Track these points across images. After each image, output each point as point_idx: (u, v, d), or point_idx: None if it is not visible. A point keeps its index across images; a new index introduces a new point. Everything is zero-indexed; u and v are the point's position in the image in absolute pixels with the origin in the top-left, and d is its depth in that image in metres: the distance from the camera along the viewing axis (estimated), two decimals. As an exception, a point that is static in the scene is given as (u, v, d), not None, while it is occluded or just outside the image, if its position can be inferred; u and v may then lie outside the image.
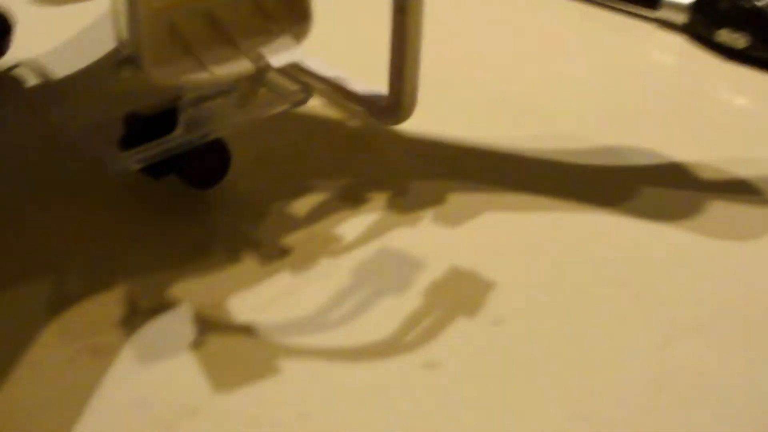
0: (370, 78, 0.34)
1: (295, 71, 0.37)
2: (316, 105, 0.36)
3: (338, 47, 0.41)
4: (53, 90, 0.37)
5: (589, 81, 0.41)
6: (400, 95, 0.33)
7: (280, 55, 0.27)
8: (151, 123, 0.28)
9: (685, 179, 0.34)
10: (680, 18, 0.47)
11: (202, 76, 0.26)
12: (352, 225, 0.30)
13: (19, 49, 0.38)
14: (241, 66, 0.27)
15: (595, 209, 0.32)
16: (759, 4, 0.44)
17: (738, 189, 0.34)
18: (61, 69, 0.38)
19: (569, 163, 0.34)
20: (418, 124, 0.35)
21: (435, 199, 0.31)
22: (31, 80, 0.37)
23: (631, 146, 0.36)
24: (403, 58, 0.32)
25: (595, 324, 0.27)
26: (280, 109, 0.30)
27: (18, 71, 0.38)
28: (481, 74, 0.41)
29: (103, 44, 0.37)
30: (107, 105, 0.31)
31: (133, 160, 0.27)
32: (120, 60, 0.29)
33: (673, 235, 0.31)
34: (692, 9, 0.46)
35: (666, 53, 0.46)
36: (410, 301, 0.26)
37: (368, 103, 0.35)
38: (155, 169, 0.29)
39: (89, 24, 0.41)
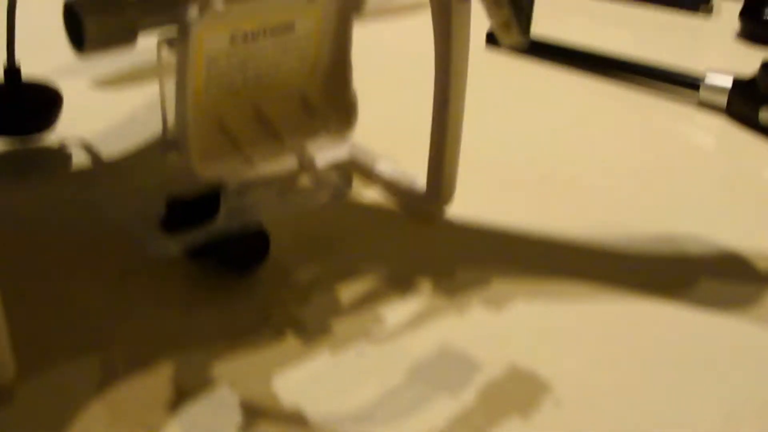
0: (409, 163, 0.34)
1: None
2: (361, 189, 0.36)
3: (378, 134, 0.42)
4: (99, 169, 0.37)
5: (634, 164, 0.41)
6: (440, 185, 0.33)
7: (325, 152, 0.28)
8: (193, 207, 0.28)
9: (739, 264, 0.33)
10: (721, 100, 0.47)
11: (247, 171, 0.26)
12: (399, 310, 0.29)
13: (71, 128, 0.39)
14: (286, 162, 0.27)
15: (649, 295, 0.31)
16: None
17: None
18: (109, 150, 0.38)
19: (619, 247, 0.34)
20: (464, 206, 0.35)
21: (482, 284, 0.30)
22: (80, 158, 0.37)
23: (682, 232, 0.35)
24: (443, 149, 0.32)
25: (656, 404, 0.25)
26: (321, 200, 0.30)
27: (67, 148, 0.38)
28: (526, 158, 0.41)
29: (151, 129, 0.38)
30: (152, 187, 0.31)
31: (173, 244, 0.26)
32: (165, 144, 0.29)
33: (730, 319, 0.29)
34: (732, 91, 0.46)
35: (709, 135, 0.45)
36: (462, 401, 0.25)
37: (408, 192, 0.35)
38: (195, 252, 0.29)
39: (139, 108, 0.42)
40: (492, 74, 0.51)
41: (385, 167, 0.36)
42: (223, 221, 0.27)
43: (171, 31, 0.26)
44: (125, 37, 0.24)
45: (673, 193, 0.38)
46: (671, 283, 0.31)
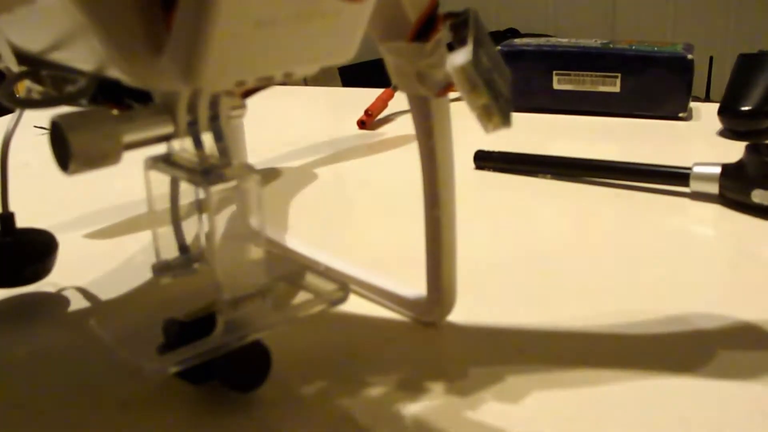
0: (409, 275, 0.33)
1: (330, 272, 0.37)
2: (354, 299, 0.35)
3: (373, 247, 0.42)
4: (97, 310, 0.36)
5: (635, 255, 0.40)
6: (439, 293, 0.33)
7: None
8: (190, 328, 0.28)
9: (758, 338, 0.32)
10: (712, 188, 0.47)
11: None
12: (412, 412, 0.28)
13: (67, 276, 0.39)
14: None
15: (669, 372, 0.29)
16: (789, 161, 0.44)
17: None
18: (106, 293, 0.38)
19: (633, 334, 0.33)
20: (466, 310, 0.34)
21: (495, 380, 0.29)
22: (78, 302, 0.37)
23: (695, 313, 0.34)
24: (439, 254, 0.32)
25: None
26: (318, 309, 0.29)
27: (64, 294, 0.38)
28: (525, 260, 0.40)
29: (147, 271, 0.38)
30: (145, 312, 0.31)
31: (170, 363, 0.25)
32: (158, 267, 0.29)
33: (751, 391, 0.28)
34: (722, 177, 0.46)
35: (705, 223, 0.45)
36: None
37: (407, 301, 0.34)
38: (196, 374, 0.28)
39: (135, 253, 0.42)
40: (483, 189, 0.51)
41: (378, 280, 0.35)
42: (219, 337, 0.26)
43: (159, 149, 0.26)
44: (111, 154, 0.24)
45: (678, 277, 0.38)
46: (690, 359, 0.30)
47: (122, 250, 0.43)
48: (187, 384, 0.29)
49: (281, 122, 0.70)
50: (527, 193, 0.50)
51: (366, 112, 0.66)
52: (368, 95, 0.71)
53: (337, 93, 0.83)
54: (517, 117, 0.68)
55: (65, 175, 0.24)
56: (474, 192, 0.50)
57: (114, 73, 0.25)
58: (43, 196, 0.51)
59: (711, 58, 1.87)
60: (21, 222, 0.37)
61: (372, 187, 0.52)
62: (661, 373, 0.30)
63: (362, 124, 0.66)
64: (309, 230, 0.45)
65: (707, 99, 1.79)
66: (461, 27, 0.27)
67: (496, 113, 0.27)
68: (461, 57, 0.26)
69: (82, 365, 0.32)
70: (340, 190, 0.52)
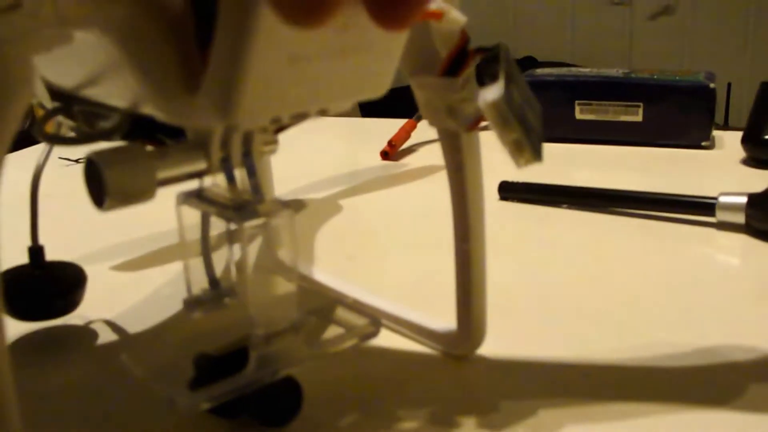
0: (437, 307, 0.33)
1: (359, 305, 0.37)
2: (384, 332, 0.35)
3: (400, 280, 0.42)
4: (125, 342, 0.36)
5: (664, 288, 0.40)
6: (469, 326, 0.32)
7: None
8: (221, 363, 0.28)
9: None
10: (738, 218, 0.47)
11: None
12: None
13: (95, 308, 0.39)
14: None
15: (701, 406, 0.29)
16: (817, 192, 0.44)
17: None
18: (134, 325, 0.38)
19: (667, 367, 0.32)
20: (496, 343, 0.34)
21: (527, 415, 0.29)
22: (106, 335, 0.37)
23: (728, 344, 0.34)
24: (469, 287, 0.32)
25: None
26: (349, 343, 0.29)
27: (92, 327, 0.38)
28: (558, 292, 0.40)
29: (175, 303, 0.38)
30: (177, 347, 0.31)
31: (202, 398, 0.25)
32: (190, 302, 0.29)
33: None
34: (748, 206, 0.46)
35: (732, 253, 0.45)
36: None
37: (437, 335, 0.34)
38: (227, 409, 0.28)
39: (162, 286, 0.42)
40: (508, 220, 0.51)
41: (407, 314, 0.35)
42: (251, 372, 0.26)
43: (191, 184, 0.26)
44: (146, 191, 0.24)
45: (705, 309, 0.37)
46: (722, 392, 0.30)
47: (149, 282, 0.43)
48: (218, 419, 0.29)
49: (304, 153, 0.71)
50: (552, 224, 0.50)
51: (389, 142, 0.66)
52: (390, 126, 0.71)
53: (359, 123, 0.83)
54: None
55: (100, 211, 0.24)
56: (499, 223, 0.50)
57: (148, 109, 0.25)
58: (67, 228, 0.52)
59: (729, 85, 1.87)
60: (48, 254, 0.37)
61: (397, 219, 0.52)
62: (694, 406, 0.29)
63: (385, 155, 0.66)
64: (335, 263, 0.45)
65: (726, 125, 1.79)
66: (492, 62, 0.27)
67: (528, 148, 0.27)
68: (493, 93, 0.26)
69: (110, 399, 0.32)
70: (366, 221, 0.52)
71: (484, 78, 0.27)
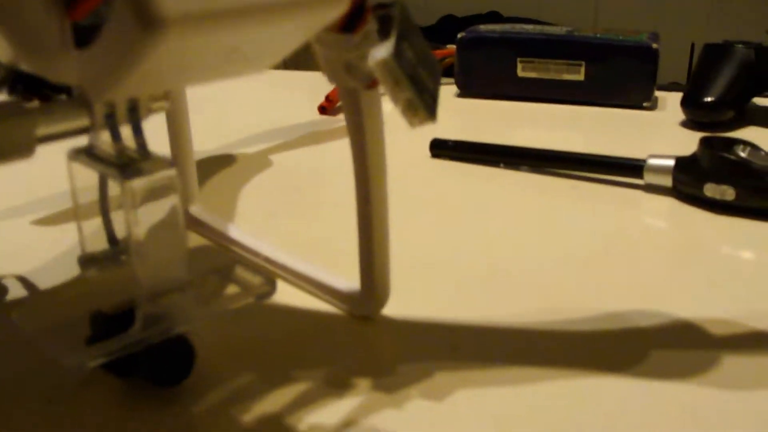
0: (353, 267, 0.33)
1: (263, 264, 0.37)
2: (291, 291, 0.35)
3: (318, 237, 0.41)
4: (29, 295, 0.36)
5: (584, 251, 0.40)
6: (372, 287, 0.32)
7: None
8: (115, 322, 0.27)
9: (693, 333, 0.32)
10: (665, 181, 0.47)
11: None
12: (336, 412, 0.27)
13: (9, 264, 0.38)
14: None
15: (599, 372, 0.29)
16: (743, 155, 0.44)
17: (749, 341, 0.31)
18: (45, 282, 0.37)
19: (570, 332, 0.32)
20: (404, 305, 0.34)
21: (423, 377, 0.29)
22: (16, 291, 0.36)
23: (636, 310, 0.34)
24: (371, 249, 0.31)
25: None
26: (243, 303, 0.28)
27: (2, 282, 0.37)
28: (472, 252, 0.40)
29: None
30: (72, 305, 0.30)
31: (89, 357, 0.25)
32: (84, 259, 0.29)
33: (686, 392, 0.28)
34: (675, 170, 0.46)
35: (657, 216, 0.45)
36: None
37: (341, 294, 0.34)
38: (119, 368, 0.27)
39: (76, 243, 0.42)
40: (436, 178, 0.51)
41: (315, 272, 0.35)
42: (137, 331, 0.26)
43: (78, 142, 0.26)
44: (24, 148, 0.24)
45: (624, 273, 0.37)
46: (622, 359, 0.30)
47: (70, 236, 0.42)
48: (113, 379, 0.28)
49: (238, 106, 0.70)
50: (479, 183, 0.50)
51: (327, 97, 0.65)
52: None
53: (297, 77, 0.82)
54: (480, 104, 0.69)
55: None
56: (426, 180, 0.50)
57: (25, 66, 0.24)
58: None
59: (692, 45, 1.87)
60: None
61: (328, 175, 0.52)
62: (591, 372, 0.29)
63: (323, 109, 0.65)
64: (256, 219, 0.44)
65: (688, 82, 1.78)
66: (388, 19, 0.27)
67: (421, 107, 0.26)
68: (383, 51, 0.25)
69: (8, 358, 0.31)
70: (295, 178, 0.51)
71: (380, 36, 0.27)
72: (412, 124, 0.26)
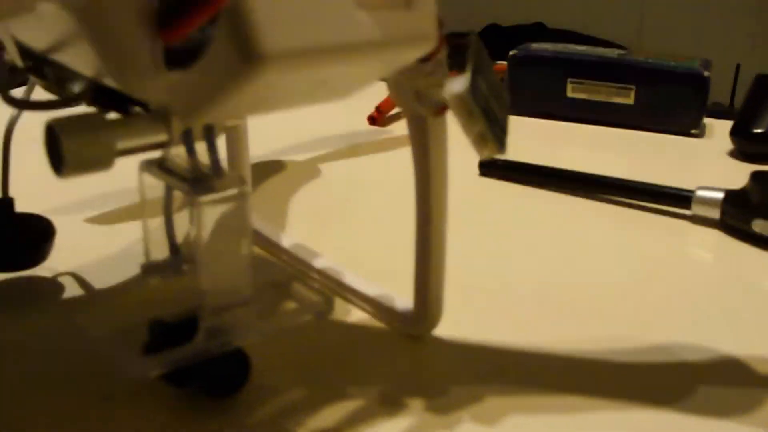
0: (406, 281, 0.33)
1: (320, 281, 0.37)
2: (345, 308, 0.36)
3: (371, 250, 0.42)
4: (90, 299, 0.37)
5: (630, 280, 0.40)
6: (425, 308, 0.33)
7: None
8: (174, 331, 0.28)
9: (738, 371, 0.32)
10: (713, 213, 0.47)
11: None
12: (388, 430, 0.28)
13: (65, 261, 0.39)
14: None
15: (646, 405, 0.30)
16: (791, 192, 0.44)
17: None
18: (101, 281, 0.38)
19: (616, 362, 0.33)
20: (454, 325, 0.34)
21: (475, 401, 0.30)
22: (72, 289, 0.37)
23: (680, 343, 0.34)
24: (427, 271, 0.32)
25: None
26: (301, 320, 0.29)
27: (59, 280, 0.38)
28: (518, 274, 0.40)
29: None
30: (133, 312, 0.31)
31: (151, 367, 0.26)
32: (147, 267, 0.29)
33: (731, 424, 0.28)
34: (724, 203, 0.46)
35: (704, 248, 0.45)
36: None
37: (394, 313, 0.34)
38: (176, 378, 0.28)
39: (135, 242, 0.42)
40: (484, 198, 0.51)
41: (368, 288, 0.35)
42: (201, 343, 0.26)
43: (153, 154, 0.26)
44: (104, 160, 0.24)
45: (668, 304, 0.38)
46: (669, 392, 0.30)
47: (123, 236, 0.43)
48: (167, 386, 0.29)
49: (290, 113, 0.70)
50: (527, 205, 0.50)
51: (377, 108, 0.66)
52: (380, 91, 0.71)
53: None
54: (528, 123, 0.69)
55: (58, 177, 0.24)
56: (474, 199, 0.50)
57: (109, 81, 0.25)
58: (41, 178, 0.52)
59: (738, 66, 1.85)
60: (22, 205, 0.37)
61: (377, 187, 0.52)
62: (638, 405, 0.30)
63: (372, 120, 0.66)
64: (307, 230, 0.45)
65: (731, 106, 1.77)
66: (462, 51, 0.27)
67: (491, 140, 0.27)
68: (459, 84, 0.26)
69: (69, 355, 0.32)
70: (344, 188, 0.52)
71: (452, 67, 0.27)
72: (481, 155, 0.27)
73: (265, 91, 0.21)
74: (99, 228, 0.45)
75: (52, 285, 0.38)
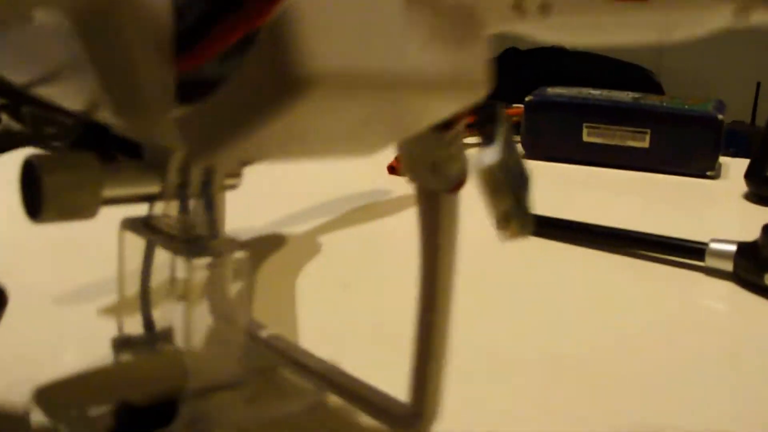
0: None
1: (309, 370, 0.33)
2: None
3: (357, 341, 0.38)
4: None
5: (644, 334, 0.39)
6: (422, 403, 0.28)
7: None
8: (145, 416, 0.24)
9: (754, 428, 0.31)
10: (727, 266, 0.45)
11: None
12: None
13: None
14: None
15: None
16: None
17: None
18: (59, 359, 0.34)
19: (634, 421, 0.31)
20: (454, 416, 0.29)
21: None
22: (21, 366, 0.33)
23: (696, 397, 0.33)
24: (426, 362, 0.27)
25: None
26: (291, 409, 0.27)
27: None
28: (529, 334, 0.38)
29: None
30: (100, 392, 0.27)
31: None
32: (119, 342, 0.26)
33: None
34: (737, 255, 0.45)
35: (717, 300, 0.44)
36: None
37: (385, 410, 0.29)
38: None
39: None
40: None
41: (356, 383, 0.30)
42: (179, 429, 0.23)
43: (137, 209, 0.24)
44: (88, 206, 0.22)
45: (683, 360, 0.36)
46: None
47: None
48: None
49: (302, 171, 0.63)
50: (535, 258, 0.47)
51: (397, 157, 0.62)
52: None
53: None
54: (544, 167, 0.68)
55: (33, 223, 0.21)
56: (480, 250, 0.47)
57: (105, 117, 0.22)
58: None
59: (758, 84, 1.81)
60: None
61: (384, 262, 0.48)
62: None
63: (392, 169, 0.62)
64: (308, 313, 0.39)
65: (753, 123, 1.76)
66: (488, 121, 0.24)
67: (515, 221, 0.24)
68: (490, 156, 0.23)
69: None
70: (342, 268, 0.47)
71: (482, 137, 0.24)
72: (502, 235, 0.24)
73: (305, 121, 0.18)
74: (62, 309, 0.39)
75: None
